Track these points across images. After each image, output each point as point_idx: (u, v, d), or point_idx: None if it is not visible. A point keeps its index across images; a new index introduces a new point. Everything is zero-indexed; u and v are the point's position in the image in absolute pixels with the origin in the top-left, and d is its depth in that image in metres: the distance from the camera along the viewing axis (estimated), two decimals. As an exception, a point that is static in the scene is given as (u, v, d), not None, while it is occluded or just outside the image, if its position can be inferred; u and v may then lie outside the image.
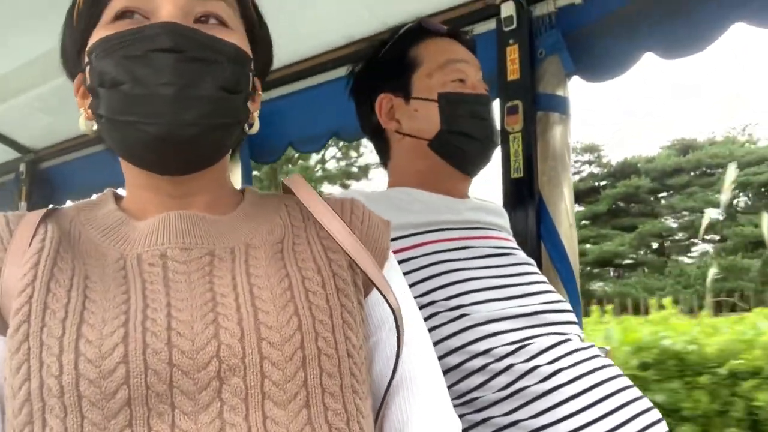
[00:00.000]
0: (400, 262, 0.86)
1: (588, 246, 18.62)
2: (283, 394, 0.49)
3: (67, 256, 0.53)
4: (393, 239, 0.80)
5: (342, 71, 1.31)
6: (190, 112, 0.52)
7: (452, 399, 0.81)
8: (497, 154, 1.07)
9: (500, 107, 1.39)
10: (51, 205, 0.61)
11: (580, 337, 0.91)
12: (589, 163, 22.61)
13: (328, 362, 0.51)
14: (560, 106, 1.37)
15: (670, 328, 3.29)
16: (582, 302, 1.41)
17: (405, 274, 0.85)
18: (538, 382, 0.80)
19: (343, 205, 0.63)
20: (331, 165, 16.65)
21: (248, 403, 0.48)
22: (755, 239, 16.56)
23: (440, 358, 0.82)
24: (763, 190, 18.78)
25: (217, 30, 0.56)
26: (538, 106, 1.37)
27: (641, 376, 2.90)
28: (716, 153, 19.45)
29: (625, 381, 0.84)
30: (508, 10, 1.39)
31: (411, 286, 0.85)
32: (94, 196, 0.64)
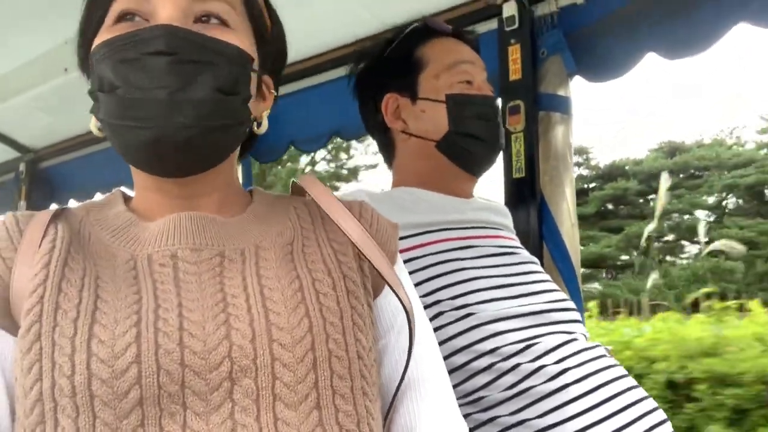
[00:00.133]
0: (405, 261, 0.86)
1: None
2: (294, 395, 0.49)
3: (77, 257, 0.53)
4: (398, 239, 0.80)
5: (343, 71, 1.31)
6: (184, 114, 0.51)
7: (458, 398, 0.81)
8: (502, 151, 1.07)
9: (502, 107, 1.39)
10: (57, 206, 0.61)
11: (585, 336, 0.92)
12: (578, 165, 22.67)
13: (339, 364, 0.51)
14: (562, 106, 1.37)
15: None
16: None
17: (410, 273, 0.85)
18: (544, 382, 0.80)
19: (352, 208, 0.63)
20: (321, 167, 16.71)
21: (259, 404, 0.48)
22: (739, 242, 16.78)
23: (446, 357, 0.82)
24: (752, 192, 18.92)
25: (217, 30, 0.55)
26: (539, 106, 1.38)
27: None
28: (703, 155, 19.65)
29: (631, 381, 0.84)
30: (509, 9, 1.39)
31: (416, 285, 0.85)
32: (99, 195, 0.64)
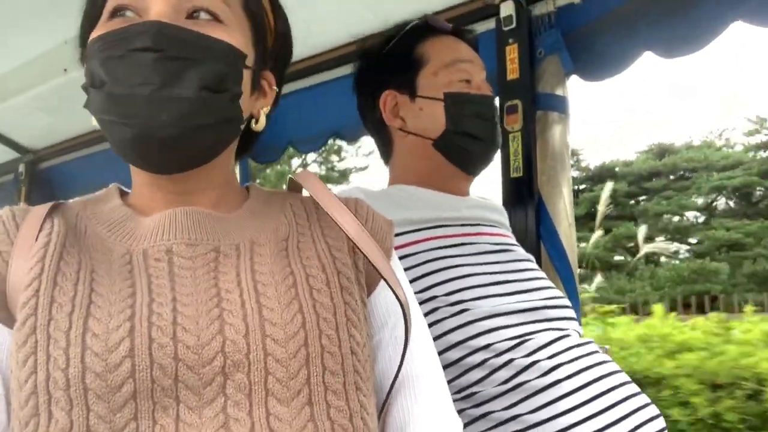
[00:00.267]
0: (401, 257, 0.86)
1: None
2: (287, 390, 0.50)
3: (73, 250, 0.54)
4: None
5: (342, 70, 1.31)
6: (167, 112, 0.51)
7: (452, 394, 0.81)
8: (497, 153, 1.07)
9: (499, 107, 1.39)
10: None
11: (578, 333, 0.92)
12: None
13: (332, 360, 0.52)
14: (559, 105, 1.38)
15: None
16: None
17: (406, 269, 0.85)
18: (537, 377, 0.81)
19: (348, 204, 0.63)
20: (312, 169, 16.81)
21: (252, 399, 0.49)
22: (727, 242, 16.88)
23: (441, 353, 0.83)
24: (740, 193, 19.10)
25: (208, 26, 0.55)
26: (537, 106, 1.38)
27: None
28: (692, 157, 19.78)
29: (624, 377, 0.84)
30: (507, 9, 1.40)
31: (412, 281, 0.86)
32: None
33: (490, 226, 1.01)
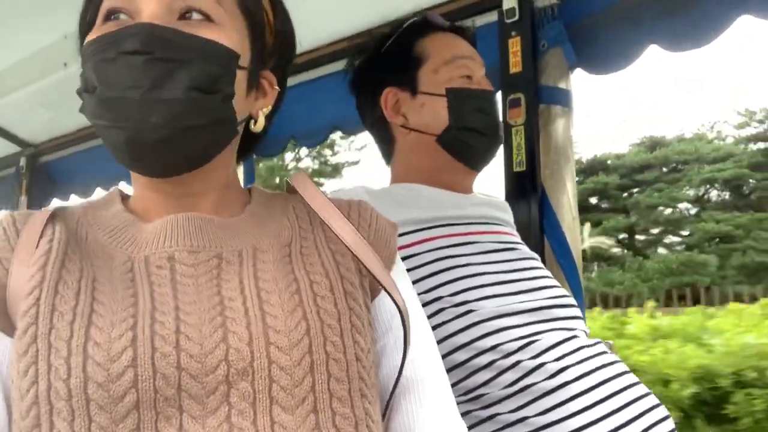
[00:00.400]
0: (405, 258, 0.86)
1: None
2: (291, 399, 0.49)
3: (74, 257, 0.53)
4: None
5: (342, 64, 1.30)
6: (157, 114, 0.51)
7: (459, 396, 0.81)
8: (501, 145, 1.07)
9: (502, 100, 1.38)
10: (56, 201, 0.61)
11: (585, 332, 0.91)
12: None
13: (337, 367, 0.51)
14: (563, 98, 1.36)
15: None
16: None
17: (410, 270, 0.84)
18: (545, 379, 0.80)
19: (351, 207, 0.63)
20: (305, 163, 16.90)
21: (256, 407, 0.48)
22: (717, 234, 16.99)
23: (447, 354, 0.82)
24: (730, 186, 19.25)
25: (200, 26, 0.54)
26: (540, 99, 1.36)
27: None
28: (683, 150, 19.90)
29: (632, 378, 0.83)
30: (510, 2, 1.38)
31: (416, 282, 0.85)
32: (99, 191, 0.64)
33: (495, 224, 1.00)
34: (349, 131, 1.83)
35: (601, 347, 0.87)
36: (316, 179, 16.09)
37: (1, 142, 2.47)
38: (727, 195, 19.77)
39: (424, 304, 0.83)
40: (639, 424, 0.78)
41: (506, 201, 1.22)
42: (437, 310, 0.85)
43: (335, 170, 16.97)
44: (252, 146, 0.68)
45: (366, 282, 0.58)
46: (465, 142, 0.98)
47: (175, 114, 0.51)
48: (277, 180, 15.78)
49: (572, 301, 0.94)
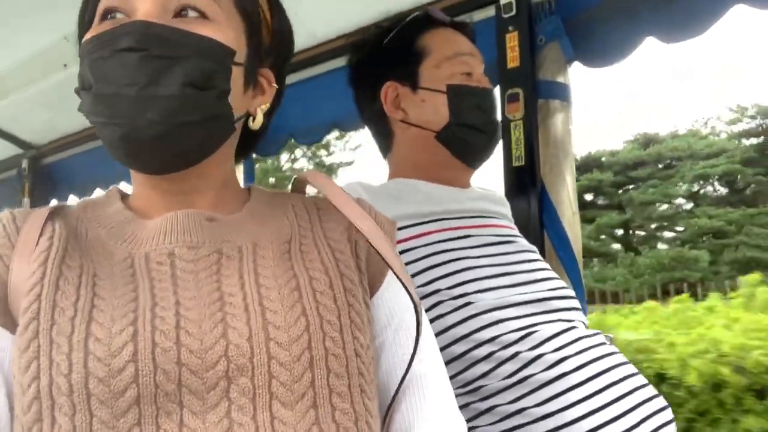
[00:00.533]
0: (403, 252, 0.86)
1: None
2: (291, 394, 0.49)
3: (75, 254, 0.53)
4: None
5: (341, 62, 1.30)
6: (152, 110, 0.51)
7: (458, 388, 0.81)
8: (498, 143, 1.07)
9: (500, 95, 1.38)
10: (56, 202, 0.61)
11: (584, 323, 0.91)
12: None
13: (336, 362, 0.52)
14: (561, 93, 1.37)
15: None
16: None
17: (408, 264, 0.85)
18: (543, 370, 0.80)
19: None
20: (300, 164, 17.01)
21: (256, 403, 0.48)
22: (709, 230, 17.01)
23: (445, 347, 0.82)
24: (723, 181, 19.36)
25: (195, 23, 0.54)
26: (538, 94, 1.36)
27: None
28: (676, 146, 20.00)
29: (631, 368, 0.84)
30: (507, -4, 1.38)
31: (415, 275, 0.86)
32: (99, 191, 0.64)
33: (493, 217, 1.00)
34: (347, 129, 1.83)
35: (600, 338, 0.87)
36: (312, 181, 16.25)
37: (3, 144, 2.47)
38: (720, 191, 19.89)
39: (423, 297, 0.84)
40: (637, 414, 0.78)
41: (506, 196, 1.22)
42: (435, 302, 0.86)
43: (330, 171, 17.06)
44: (252, 144, 0.68)
45: (365, 279, 0.59)
46: (464, 139, 0.98)
47: (171, 110, 0.51)
48: (272, 180, 15.81)
49: (571, 293, 0.94)
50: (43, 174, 2.52)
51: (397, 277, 0.57)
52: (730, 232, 16.84)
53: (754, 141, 19.79)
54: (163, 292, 0.51)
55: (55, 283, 0.51)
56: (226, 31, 0.56)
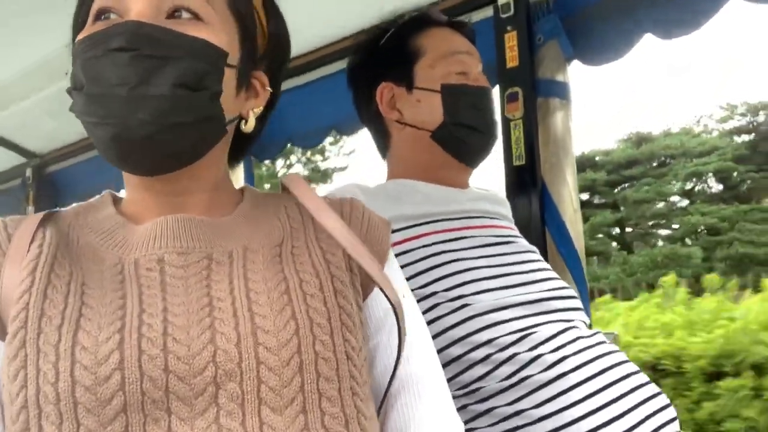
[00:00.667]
0: (400, 254, 0.85)
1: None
2: (280, 399, 0.49)
3: (64, 262, 0.53)
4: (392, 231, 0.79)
5: (340, 65, 1.31)
6: (143, 111, 0.51)
7: (456, 389, 0.80)
8: (498, 143, 1.07)
9: (500, 95, 1.38)
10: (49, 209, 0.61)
11: (585, 323, 0.90)
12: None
13: (326, 366, 0.51)
14: (560, 91, 1.37)
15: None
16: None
17: (405, 266, 0.84)
18: (542, 371, 0.80)
19: (343, 206, 0.63)
20: (296, 169, 17.07)
21: (245, 408, 0.48)
22: (703, 227, 16.95)
23: (443, 349, 0.82)
24: (716, 178, 19.42)
25: (188, 24, 0.54)
26: (538, 93, 1.37)
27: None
28: (669, 144, 20.04)
29: (632, 367, 0.82)
30: (505, -4, 1.39)
31: (411, 278, 0.85)
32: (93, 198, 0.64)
33: (492, 218, 1.00)
34: (346, 132, 1.84)
35: (600, 337, 0.86)
36: (307, 185, 16.37)
37: (7, 153, 2.49)
38: (714, 188, 19.95)
39: (420, 300, 0.82)
40: (639, 413, 0.77)
41: (507, 196, 1.22)
42: (433, 305, 0.85)
43: (325, 176, 17.10)
44: (245, 147, 0.68)
45: (357, 281, 0.58)
46: (459, 138, 0.98)
47: (162, 110, 0.51)
48: (267, 186, 15.87)
49: (572, 292, 0.93)
50: (48, 182, 2.53)
51: (374, 282, 0.57)
52: (723, 228, 16.86)
53: (745, 138, 19.85)
54: (151, 298, 0.51)
55: (44, 291, 0.50)
56: (219, 33, 0.56)
